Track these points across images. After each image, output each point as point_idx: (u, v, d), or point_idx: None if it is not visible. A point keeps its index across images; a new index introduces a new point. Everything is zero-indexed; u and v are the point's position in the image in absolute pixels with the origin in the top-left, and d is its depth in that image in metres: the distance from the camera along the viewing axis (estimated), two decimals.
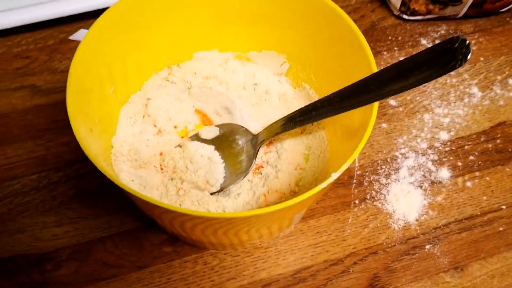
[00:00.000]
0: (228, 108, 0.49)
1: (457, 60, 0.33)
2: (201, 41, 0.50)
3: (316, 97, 0.49)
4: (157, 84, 0.49)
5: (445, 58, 0.34)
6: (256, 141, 0.44)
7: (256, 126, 0.49)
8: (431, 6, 0.57)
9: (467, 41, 0.33)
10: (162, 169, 0.45)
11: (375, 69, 0.40)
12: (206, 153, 0.45)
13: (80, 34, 0.56)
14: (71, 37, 0.56)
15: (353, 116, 0.43)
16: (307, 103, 0.49)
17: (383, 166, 0.49)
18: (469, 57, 0.33)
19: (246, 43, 0.50)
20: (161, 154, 0.46)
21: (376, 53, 0.56)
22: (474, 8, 0.57)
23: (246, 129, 0.46)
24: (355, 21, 0.59)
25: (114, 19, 0.43)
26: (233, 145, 0.46)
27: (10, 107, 0.52)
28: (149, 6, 0.45)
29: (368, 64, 0.40)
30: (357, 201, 0.48)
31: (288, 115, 0.42)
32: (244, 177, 0.45)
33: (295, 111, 0.42)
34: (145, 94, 0.48)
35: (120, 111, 0.46)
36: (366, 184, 0.49)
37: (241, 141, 0.46)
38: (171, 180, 0.44)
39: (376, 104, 0.38)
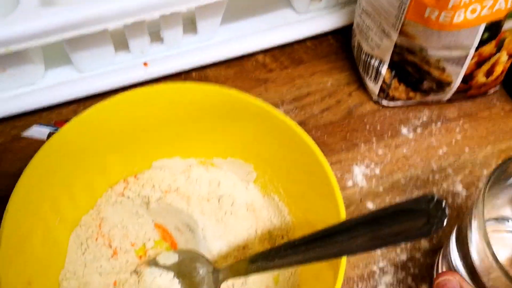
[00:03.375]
0: (190, 226, 0.45)
1: (431, 224, 0.30)
2: (161, 148, 0.46)
3: (285, 211, 0.45)
4: (112, 201, 0.45)
5: (418, 220, 0.30)
6: (217, 278, 0.40)
7: (220, 245, 0.44)
8: (412, 94, 0.53)
9: (443, 203, 0.29)
10: None
11: (343, 212, 0.36)
12: (164, 284, 0.41)
13: (33, 131, 0.52)
14: (24, 134, 0.52)
15: None
16: (277, 214, 0.46)
17: (360, 284, 0.46)
18: (445, 222, 0.29)
19: (210, 149, 0.47)
20: (115, 283, 0.42)
21: (353, 146, 0.52)
22: (458, 94, 0.53)
23: (207, 259, 0.42)
24: (330, 107, 0.56)
25: (56, 148, 0.39)
26: (193, 273, 0.42)
27: None
28: (99, 122, 0.42)
29: (336, 203, 0.37)
30: None
31: (250, 256, 0.38)
32: None
33: (258, 254, 0.38)
34: (99, 213, 0.44)
35: (69, 238, 0.42)
36: None
37: (202, 271, 0.42)
38: None
39: None
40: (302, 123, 0.53)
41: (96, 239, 0.44)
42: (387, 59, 0.50)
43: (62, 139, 0.40)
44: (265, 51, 0.58)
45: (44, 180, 0.39)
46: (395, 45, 0.48)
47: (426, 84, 0.51)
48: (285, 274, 0.43)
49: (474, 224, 0.36)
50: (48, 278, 0.39)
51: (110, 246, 0.44)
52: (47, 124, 0.53)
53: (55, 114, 0.54)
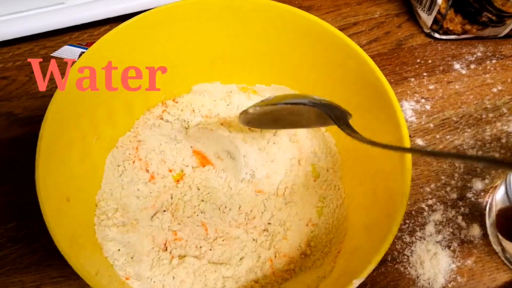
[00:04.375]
0: (231, 152, 0.42)
1: None
2: (201, 72, 0.43)
3: (332, 142, 0.43)
4: (149, 124, 0.42)
5: None
6: None
7: (261, 173, 0.42)
8: (468, 27, 0.49)
9: None
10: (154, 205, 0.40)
11: (406, 137, 0.33)
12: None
13: (64, 50, 0.49)
14: (54, 54, 0.49)
15: (377, 163, 0.37)
16: (322, 146, 0.43)
17: (407, 221, 0.43)
18: None
19: (253, 75, 0.44)
20: (153, 206, 0.40)
21: (403, 80, 0.49)
22: None
23: None
24: (379, 39, 0.52)
25: (95, 59, 0.36)
26: None
27: None
28: (139, 37, 0.39)
29: (398, 128, 0.34)
30: None
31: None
32: None
33: None
34: (136, 135, 0.42)
35: (106, 159, 0.40)
36: None
37: None
38: (164, 243, 0.39)
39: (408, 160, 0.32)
40: None
41: (133, 162, 0.41)
42: None
43: (99, 52, 0.37)
44: None
45: (82, 94, 0.36)
46: None
47: (485, 16, 0.47)
48: (330, 206, 0.41)
49: None
50: (86, 197, 0.37)
51: (147, 171, 0.42)
52: (78, 45, 0.50)
53: (87, 35, 0.51)
